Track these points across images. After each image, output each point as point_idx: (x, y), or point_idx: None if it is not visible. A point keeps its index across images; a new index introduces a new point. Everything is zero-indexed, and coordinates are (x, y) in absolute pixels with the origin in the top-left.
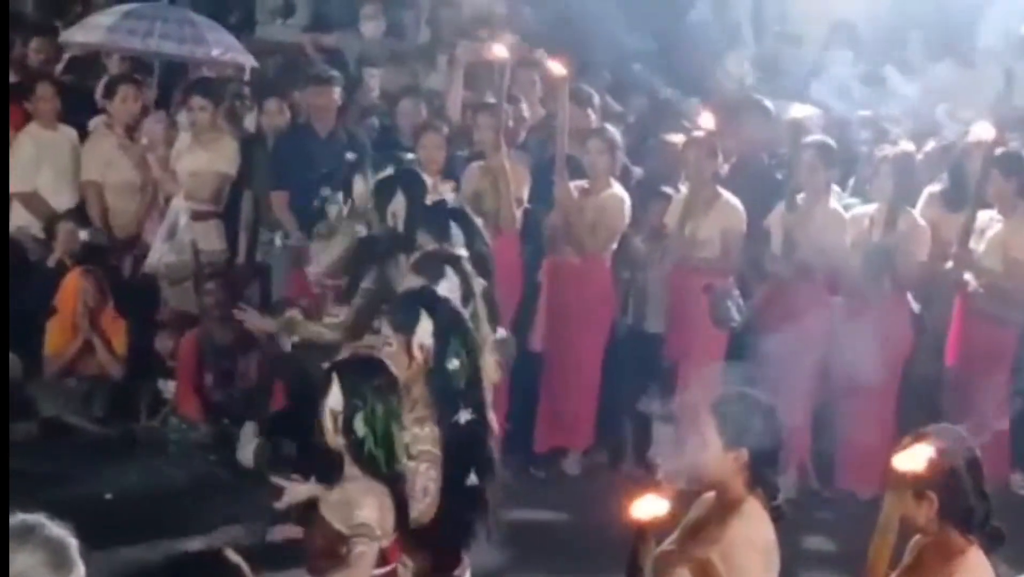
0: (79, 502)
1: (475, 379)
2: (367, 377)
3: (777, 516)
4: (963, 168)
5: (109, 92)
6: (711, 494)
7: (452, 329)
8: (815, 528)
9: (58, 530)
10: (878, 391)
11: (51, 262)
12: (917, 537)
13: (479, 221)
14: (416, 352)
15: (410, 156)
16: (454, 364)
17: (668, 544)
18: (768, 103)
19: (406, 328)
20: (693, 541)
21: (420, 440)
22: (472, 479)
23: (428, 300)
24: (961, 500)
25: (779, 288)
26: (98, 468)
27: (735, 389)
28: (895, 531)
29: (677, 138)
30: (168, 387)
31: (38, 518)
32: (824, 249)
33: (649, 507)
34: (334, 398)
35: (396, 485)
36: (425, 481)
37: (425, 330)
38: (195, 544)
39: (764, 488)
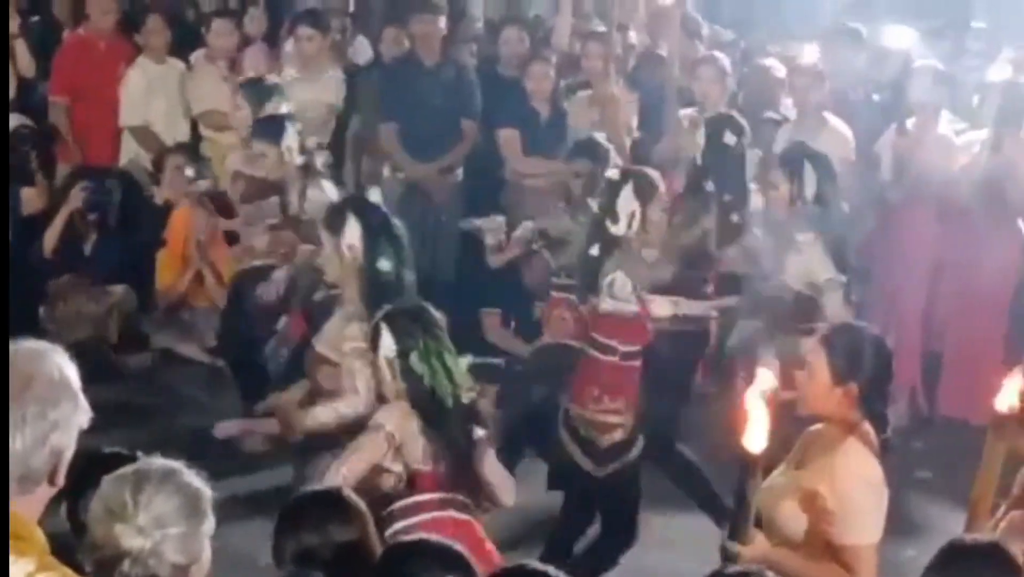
0: (192, 433)
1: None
2: (414, 319)
3: (886, 448)
4: None
5: (206, 26)
6: (820, 426)
7: (380, 231)
8: (925, 456)
9: (196, 479)
10: (987, 317)
11: (158, 199)
12: None
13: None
14: (345, 252)
15: None
16: (384, 265)
17: (777, 475)
18: (862, 28)
19: (334, 229)
20: (802, 473)
21: (351, 337)
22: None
23: (356, 204)
24: None
25: (890, 214)
26: (212, 398)
27: (845, 322)
28: (998, 469)
29: (772, 62)
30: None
31: (177, 464)
32: (935, 174)
33: (757, 438)
34: (387, 346)
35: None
36: (356, 379)
37: (353, 232)
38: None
39: (874, 421)
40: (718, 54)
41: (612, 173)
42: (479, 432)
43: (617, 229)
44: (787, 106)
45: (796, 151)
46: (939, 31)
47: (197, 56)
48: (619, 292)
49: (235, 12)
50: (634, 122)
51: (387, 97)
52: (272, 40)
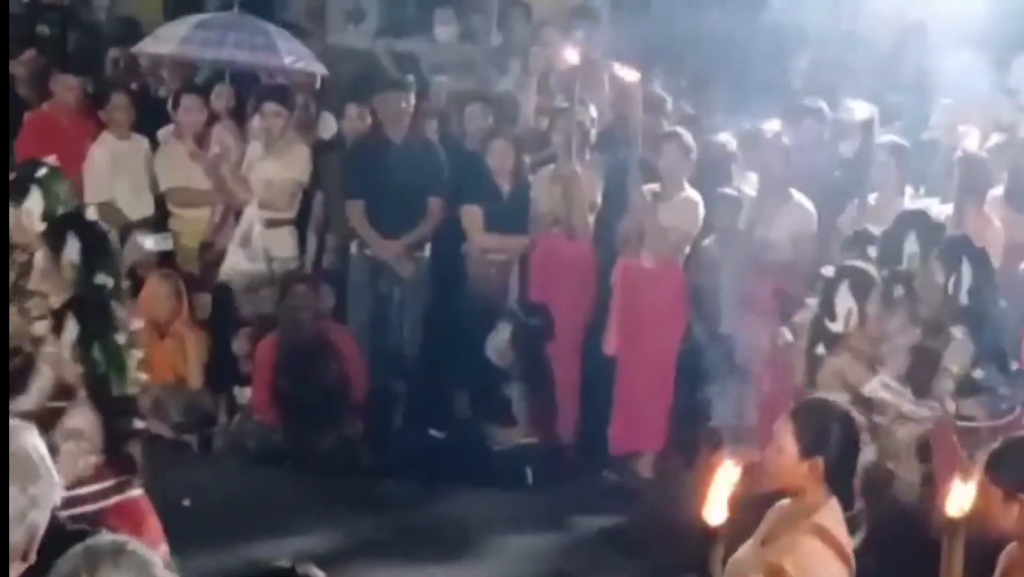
0: (156, 509)
1: None
2: (100, 310)
3: (854, 525)
4: (1020, 166)
5: (174, 103)
6: (787, 501)
7: (98, 248)
8: None
9: (144, 549)
10: None
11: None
12: (1011, 546)
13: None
14: (66, 267)
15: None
16: (102, 279)
17: (744, 551)
18: (823, 105)
19: (55, 246)
20: (768, 548)
21: (48, 342)
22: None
23: (75, 223)
24: None
25: None
26: (176, 474)
27: (813, 397)
28: (960, 565)
29: (725, 137)
30: (244, 393)
31: (126, 537)
32: None
33: (718, 511)
34: (70, 332)
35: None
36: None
37: (73, 249)
38: (271, 551)
39: (840, 496)
40: (682, 130)
41: (827, 271)
42: (139, 423)
43: (836, 327)
44: (750, 180)
45: (956, 246)
46: (900, 106)
47: (165, 132)
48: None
49: (202, 88)
50: (598, 198)
51: (354, 174)
52: (239, 116)
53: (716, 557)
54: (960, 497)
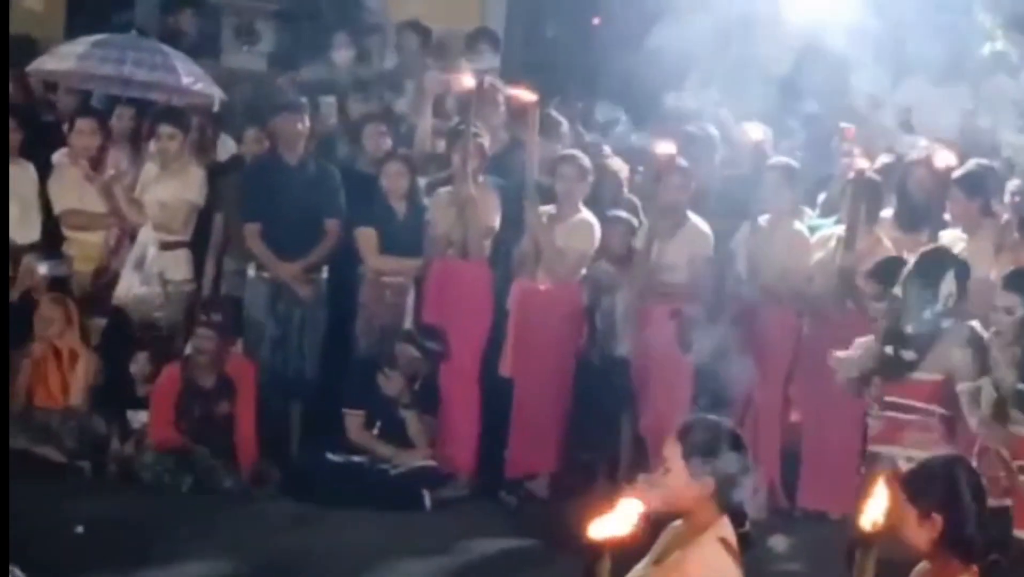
0: (49, 535)
1: None
2: None
3: (746, 543)
4: (906, 188)
5: (69, 125)
6: (680, 521)
7: None
8: (786, 549)
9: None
10: (844, 411)
11: (13, 297)
12: (920, 566)
13: None
14: None
15: None
16: None
17: (637, 570)
18: (712, 130)
19: None
20: (658, 567)
21: None
22: None
23: None
24: (964, 526)
25: (745, 311)
26: (69, 500)
27: (700, 416)
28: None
29: (614, 161)
30: (138, 417)
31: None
32: (787, 271)
33: (604, 527)
34: None
35: None
36: None
37: None
38: (169, 576)
39: (731, 515)
40: (578, 153)
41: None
42: None
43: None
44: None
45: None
46: (796, 128)
47: (59, 155)
48: None
49: (98, 111)
50: (496, 221)
51: (250, 196)
52: (135, 139)
53: (602, 572)
54: (874, 511)
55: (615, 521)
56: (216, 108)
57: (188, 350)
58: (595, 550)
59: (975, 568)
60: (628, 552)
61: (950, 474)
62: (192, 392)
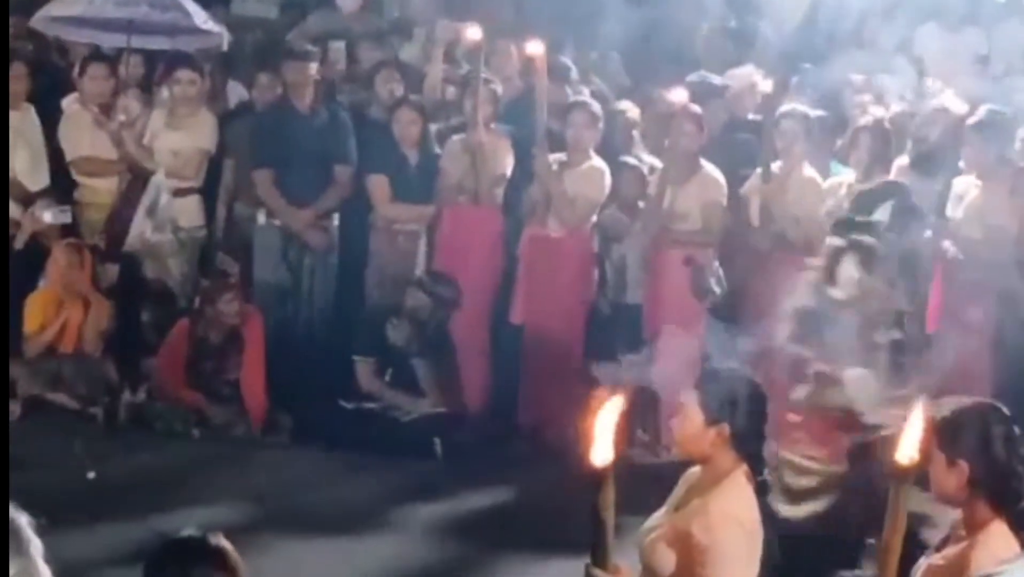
0: (62, 481)
1: None
2: None
3: (763, 489)
4: (926, 136)
5: (80, 71)
6: (697, 468)
7: None
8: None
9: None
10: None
11: (19, 244)
12: (924, 565)
13: None
14: None
15: None
16: None
17: (655, 518)
18: (717, 80)
19: None
20: (678, 513)
21: None
22: None
23: None
24: (994, 472)
25: (758, 258)
26: (81, 446)
27: (717, 365)
28: (905, 518)
29: (625, 105)
30: (150, 363)
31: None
32: (799, 218)
33: (606, 451)
34: None
35: None
36: None
37: None
38: (180, 522)
39: (749, 462)
40: (589, 99)
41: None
42: None
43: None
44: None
45: None
46: (810, 76)
47: (69, 101)
48: None
49: (109, 57)
50: (508, 169)
51: (261, 143)
52: (145, 85)
53: (606, 499)
54: (910, 447)
55: (609, 442)
56: (224, 48)
57: (197, 304)
58: (598, 477)
59: (1005, 516)
60: (645, 501)
61: (981, 423)
62: (203, 347)
